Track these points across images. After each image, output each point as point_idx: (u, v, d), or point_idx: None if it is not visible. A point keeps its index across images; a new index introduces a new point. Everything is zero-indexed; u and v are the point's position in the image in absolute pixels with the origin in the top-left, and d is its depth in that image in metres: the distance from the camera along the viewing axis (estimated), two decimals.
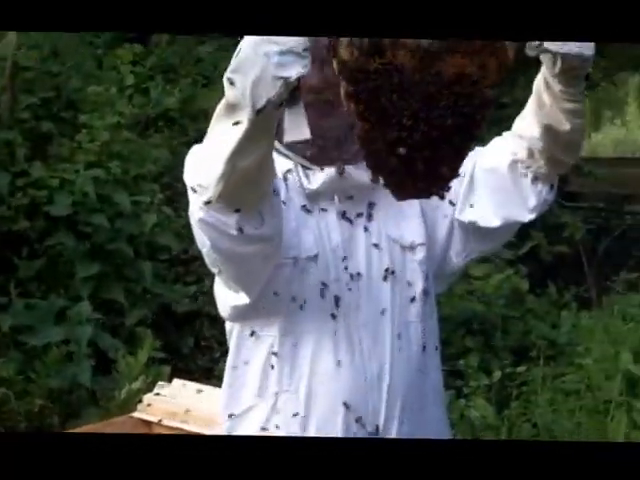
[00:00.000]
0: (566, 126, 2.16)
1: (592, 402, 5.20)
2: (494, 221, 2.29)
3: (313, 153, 2.25)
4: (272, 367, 2.23)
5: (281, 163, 2.23)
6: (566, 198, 8.76)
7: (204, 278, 5.63)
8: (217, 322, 5.51)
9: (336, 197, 2.26)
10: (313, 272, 2.21)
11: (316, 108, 2.21)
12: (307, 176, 2.26)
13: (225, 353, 2.33)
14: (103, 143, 5.51)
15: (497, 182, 2.29)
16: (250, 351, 2.26)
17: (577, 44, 2.00)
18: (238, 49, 1.86)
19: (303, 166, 2.26)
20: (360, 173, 2.25)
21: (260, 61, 1.81)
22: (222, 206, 1.99)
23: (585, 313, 6.97)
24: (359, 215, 2.27)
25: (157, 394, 3.56)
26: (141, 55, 7.04)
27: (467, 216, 2.31)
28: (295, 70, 1.80)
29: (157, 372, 4.82)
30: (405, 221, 2.31)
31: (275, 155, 2.15)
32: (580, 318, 6.73)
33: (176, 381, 3.69)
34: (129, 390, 4.51)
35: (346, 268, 2.24)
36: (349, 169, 2.25)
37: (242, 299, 2.19)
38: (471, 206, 2.30)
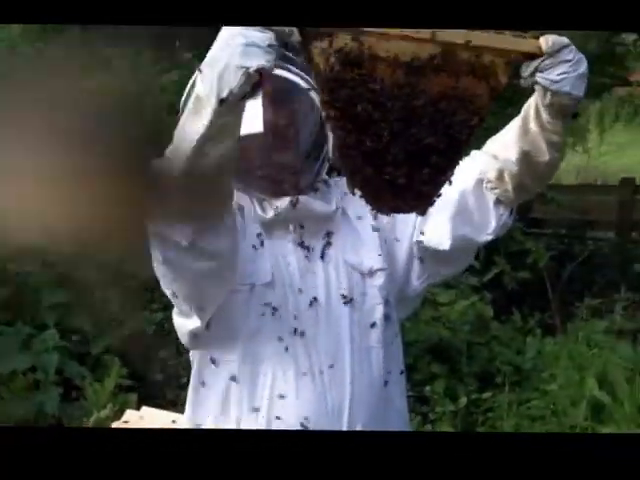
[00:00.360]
0: (545, 157, 2.19)
1: (558, 428, 5.23)
2: (447, 243, 2.30)
3: (267, 185, 2.27)
4: (233, 392, 2.24)
5: (236, 194, 2.25)
6: (529, 225, 8.82)
7: (171, 305, 5.62)
8: (184, 349, 5.50)
9: (291, 226, 2.28)
10: (270, 299, 2.23)
11: (270, 143, 2.25)
12: (262, 206, 2.29)
13: None
14: None
15: (459, 201, 2.30)
16: (211, 377, 2.27)
17: (570, 83, 2.04)
18: None
19: (257, 197, 2.29)
20: (314, 203, 2.28)
21: (227, 52, 1.87)
22: None
23: (550, 339, 7.01)
24: (316, 243, 2.30)
25: (126, 422, 3.55)
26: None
27: (424, 239, 2.34)
28: (257, 61, 1.86)
29: (124, 400, 4.81)
30: (364, 247, 2.33)
31: None
32: (545, 344, 6.77)
33: (144, 409, 3.68)
34: (97, 418, 4.49)
35: (304, 295, 2.25)
36: (303, 199, 2.27)
37: (194, 323, 2.21)
38: (429, 229, 2.33)
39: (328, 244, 2.30)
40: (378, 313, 2.30)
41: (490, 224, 2.31)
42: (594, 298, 7.84)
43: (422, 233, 2.33)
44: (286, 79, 2.29)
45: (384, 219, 2.35)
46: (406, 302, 2.42)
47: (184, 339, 2.28)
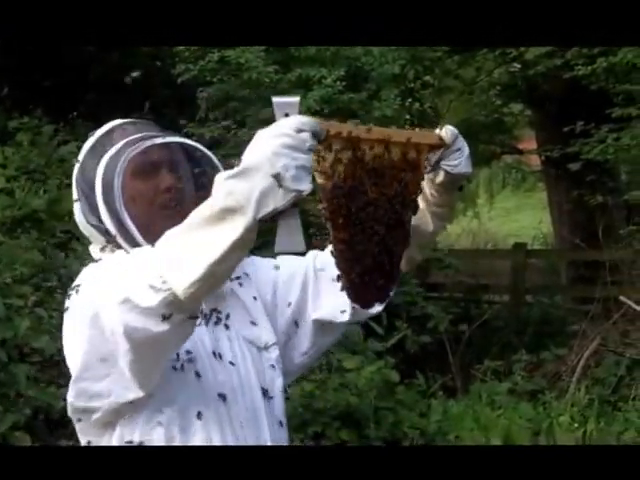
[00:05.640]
0: (430, 227, 2.31)
1: None
2: (347, 315, 2.36)
3: None
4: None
5: None
6: (429, 289, 8.97)
7: None
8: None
9: (203, 304, 2.27)
10: (193, 372, 2.23)
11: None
12: None
13: None
14: None
15: None
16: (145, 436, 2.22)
17: (465, 165, 2.19)
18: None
19: None
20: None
21: (271, 171, 1.88)
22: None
23: (452, 401, 7.13)
24: (219, 322, 2.32)
25: None
26: (7, 156, 7.02)
27: (320, 314, 2.40)
28: (307, 185, 1.90)
29: None
30: (256, 324, 2.36)
31: None
32: (449, 406, 6.88)
33: None
34: None
35: (219, 370, 2.27)
36: None
37: (136, 394, 2.19)
38: (325, 304, 2.38)
39: (227, 325, 2.32)
40: (278, 385, 2.35)
41: None
42: (493, 360, 8.00)
43: (319, 304, 2.40)
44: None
45: (265, 294, 2.41)
46: (288, 376, 2.46)
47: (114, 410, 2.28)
